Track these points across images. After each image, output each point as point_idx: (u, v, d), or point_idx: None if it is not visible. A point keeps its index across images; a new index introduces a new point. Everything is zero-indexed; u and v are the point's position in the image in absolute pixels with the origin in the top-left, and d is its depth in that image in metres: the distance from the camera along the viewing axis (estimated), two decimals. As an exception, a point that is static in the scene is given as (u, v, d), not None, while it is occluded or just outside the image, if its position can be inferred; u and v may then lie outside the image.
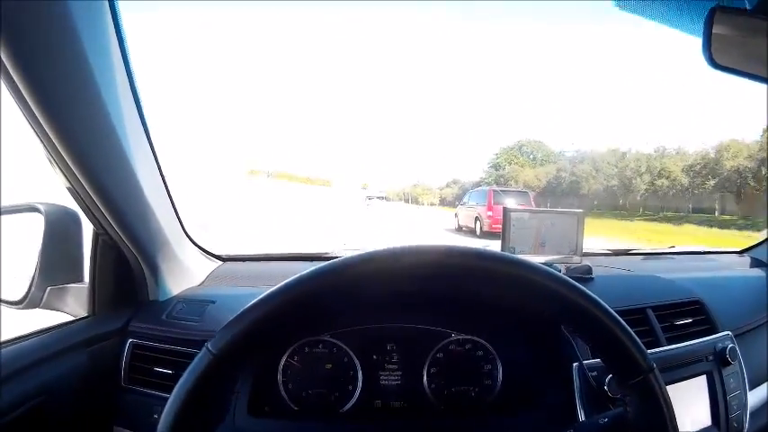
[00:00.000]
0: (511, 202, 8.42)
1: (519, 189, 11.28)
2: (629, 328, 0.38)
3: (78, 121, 0.49)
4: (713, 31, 0.60)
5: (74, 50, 0.45)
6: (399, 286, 0.37)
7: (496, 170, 30.10)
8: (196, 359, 0.34)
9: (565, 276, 0.38)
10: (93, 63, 0.48)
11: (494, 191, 9.00)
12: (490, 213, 8.45)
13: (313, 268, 0.36)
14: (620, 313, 0.71)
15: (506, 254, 0.39)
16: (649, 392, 0.37)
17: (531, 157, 30.52)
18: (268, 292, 0.35)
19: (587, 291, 0.38)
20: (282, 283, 0.35)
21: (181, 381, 0.33)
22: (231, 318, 0.35)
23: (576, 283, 0.38)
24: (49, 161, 0.54)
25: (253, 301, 0.35)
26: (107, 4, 0.50)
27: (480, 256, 0.36)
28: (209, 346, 0.34)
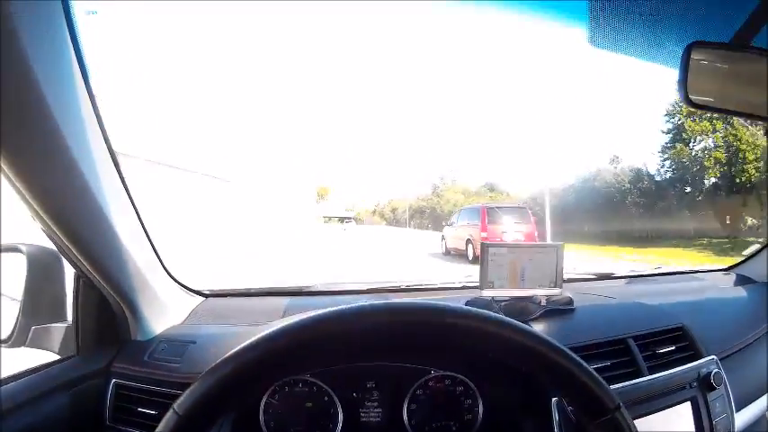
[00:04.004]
0: (508, 221, 7.54)
1: (515, 205, 9.43)
2: (590, 369, 0.38)
3: (44, 170, 0.48)
4: (690, 68, 0.59)
5: (23, 73, 0.40)
6: (369, 344, 0.38)
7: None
8: (163, 421, 0.34)
9: (521, 324, 0.38)
10: (48, 93, 0.43)
11: (487, 208, 7.82)
12: (485, 234, 7.19)
13: (278, 326, 0.36)
14: (602, 345, 0.73)
15: (459, 307, 0.40)
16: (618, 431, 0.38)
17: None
18: (234, 350, 0.36)
19: (545, 336, 0.38)
20: (250, 340, 0.36)
21: None
22: (205, 369, 0.35)
23: (533, 330, 0.38)
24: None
25: (219, 360, 0.35)
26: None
27: (435, 312, 0.38)
28: (175, 407, 0.34)
